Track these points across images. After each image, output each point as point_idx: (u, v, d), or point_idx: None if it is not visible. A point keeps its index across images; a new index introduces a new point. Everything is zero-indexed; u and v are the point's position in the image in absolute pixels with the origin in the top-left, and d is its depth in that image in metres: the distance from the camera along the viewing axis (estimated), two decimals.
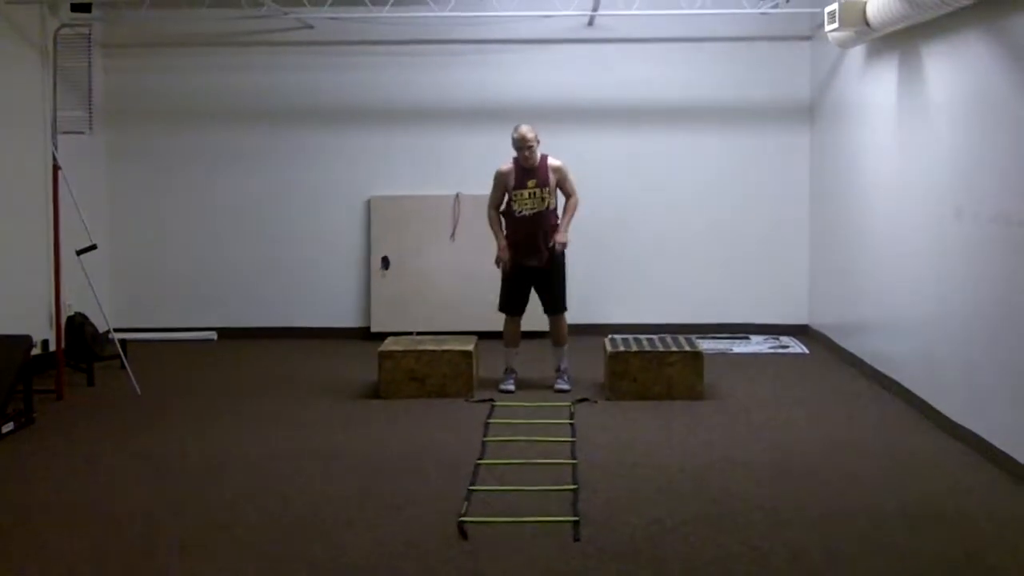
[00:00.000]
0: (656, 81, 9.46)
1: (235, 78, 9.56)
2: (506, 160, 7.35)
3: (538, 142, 7.23)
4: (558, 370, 7.45)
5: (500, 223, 7.37)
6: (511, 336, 7.45)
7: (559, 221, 7.35)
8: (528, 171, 7.25)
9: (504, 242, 7.33)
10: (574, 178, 7.41)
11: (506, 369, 7.46)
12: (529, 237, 7.28)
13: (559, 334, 7.45)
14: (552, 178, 7.28)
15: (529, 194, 7.24)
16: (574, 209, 7.38)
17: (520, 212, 7.27)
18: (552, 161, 7.31)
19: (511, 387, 7.33)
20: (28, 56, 8.06)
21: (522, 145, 7.19)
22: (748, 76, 9.45)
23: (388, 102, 9.52)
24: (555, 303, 7.42)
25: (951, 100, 6.24)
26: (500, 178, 7.32)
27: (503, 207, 7.37)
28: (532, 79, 9.47)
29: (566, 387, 7.34)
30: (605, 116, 9.49)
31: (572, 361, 7.54)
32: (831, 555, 4.31)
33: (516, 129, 7.23)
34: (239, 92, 9.56)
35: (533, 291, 7.44)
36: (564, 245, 7.33)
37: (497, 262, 7.40)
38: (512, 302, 7.44)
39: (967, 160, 5.99)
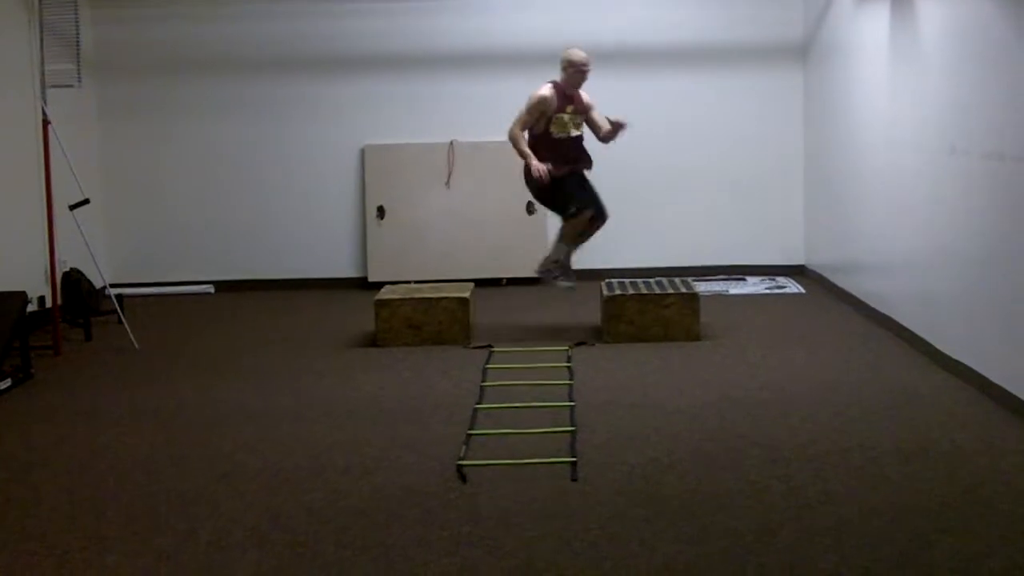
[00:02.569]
0: (647, 21, 9.37)
1: (225, 28, 9.46)
2: (543, 87, 7.14)
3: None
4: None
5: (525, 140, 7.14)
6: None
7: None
8: (569, 97, 7.15)
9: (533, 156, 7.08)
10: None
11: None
12: (566, 158, 7.18)
13: None
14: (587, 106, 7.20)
15: (568, 119, 7.17)
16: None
17: (558, 135, 7.15)
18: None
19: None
20: (13, 10, 7.97)
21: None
22: (740, 13, 9.35)
23: (382, 50, 9.43)
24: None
25: (945, 35, 6.18)
26: (542, 102, 7.08)
27: (538, 130, 7.14)
28: (524, 24, 9.36)
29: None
30: (596, 59, 9.38)
31: (568, 304, 7.50)
32: (826, 490, 4.34)
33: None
34: (230, 42, 9.47)
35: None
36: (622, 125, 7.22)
37: (535, 172, 7.01)
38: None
39: (961, 96, 5.94)
